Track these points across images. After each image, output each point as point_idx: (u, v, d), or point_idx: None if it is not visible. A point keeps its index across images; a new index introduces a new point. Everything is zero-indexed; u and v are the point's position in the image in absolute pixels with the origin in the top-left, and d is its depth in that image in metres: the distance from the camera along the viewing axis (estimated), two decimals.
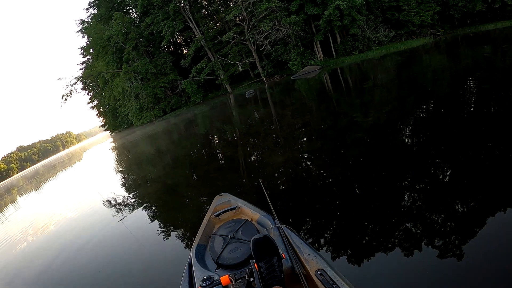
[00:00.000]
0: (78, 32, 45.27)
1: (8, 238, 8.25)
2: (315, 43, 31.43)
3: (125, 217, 6.12)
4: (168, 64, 39.43)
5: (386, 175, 4.19)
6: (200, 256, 2.42)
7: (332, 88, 15.88)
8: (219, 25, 38.97)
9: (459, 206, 3.01)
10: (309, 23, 30.78)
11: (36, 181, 28.49)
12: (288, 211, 3.94)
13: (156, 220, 5.55)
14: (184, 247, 3.97)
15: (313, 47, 31.88)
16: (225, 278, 1.89)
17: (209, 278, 1.98)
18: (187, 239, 4.16)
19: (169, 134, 20.33)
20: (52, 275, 4.70)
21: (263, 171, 6.15)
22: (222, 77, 36.81)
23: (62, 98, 43.13)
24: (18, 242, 7.48)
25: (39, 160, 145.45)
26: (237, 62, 34.77)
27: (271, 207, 2.66)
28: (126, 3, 40.79)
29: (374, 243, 2.84)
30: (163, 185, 8.12)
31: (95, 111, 60.01)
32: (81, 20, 44.66)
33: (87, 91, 54.49)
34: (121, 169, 13.83)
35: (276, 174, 5.73)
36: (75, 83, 44.20)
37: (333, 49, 31.40)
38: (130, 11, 43.31)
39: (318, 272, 1.78)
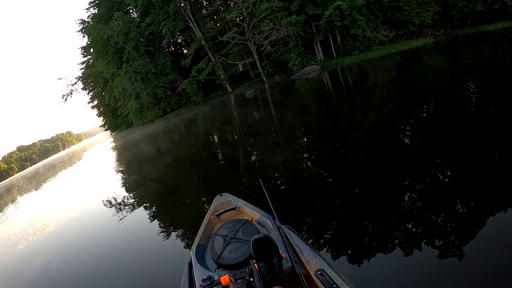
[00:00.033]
0: (78, 32, 45.33)
1: (8, 237, 8.26)
2: (316, 43, 31.42)
3: (125, 216, 6.13)
4: (168, 64, 39.44)
5: (386, 175, 4.19)
6: (200, 256, 2.42)
7: (333, 88, 15.88)
8: (219, 25, 38.97)
9: (459, 206, 3.01)
10: (309, 23, 30.78)
11: (36, 181, 28.51)
12: (288, 211, 3.94)
13: (156, 220, 5.55)
14: (184, 247, 3.97)
15: (314, 47, 31.88)
16: (225, 278, 1.88)
17: (209, 278, 1.98)
18: (187, 239, 4.16)
19: (169, 134, 20.34)
20: (52, 275, 4.71)
21: (263, 171, 6.16)
22: (222, 77, 36.81)
23: (63, 97, 43.21)
24: (18, 241, 7.49)
25: (39, 160, 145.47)
26: (238, 62, 34.77)
27: (271, 207, 2.66)
28: (127, 3, 40.78)
29: (374, 243, 2.84)
30: (163, 185, 8.12)
31: (95, 111, 60.07)
32: (82, 20, 44.67)
33: (87, 91, 54.51)
34: (121, 169, 13.84)
35: (276, 174, 5.73)
36: (76, 83, 44.28)
37: (333, 49, 31.40)
38: (131, 11, 43.33)
39: (318, 272, 1.78)
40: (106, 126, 60.44)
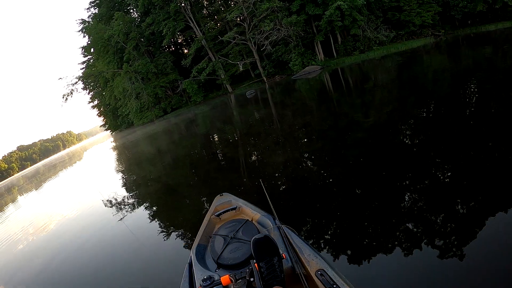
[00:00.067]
0: (79, 31, 45.30)
1: (9, 237, 8.27)
2: (316, 43, 31.42)
3: (125, 216, 6.13)
4: (169, 64, 39.45)
5: (387, 175, 4.19)
6: (201, 256, 2.42)
7: (333, 88, 15.88)
8: (220, 25, 38.98)
9: (459, 206, 3.01)
10: (310, 23, 30.78)
11: (37, 181, 28.52)
12: (288, 211, 3.94)
13: (156, 220, 5.56)
14: (185, 247, 3.97)
15: (314, 47, 31.87)
16: (225, 278, 1.88)
17: (210, 278, 1.98)
18: (188, 239, 4.16)
19: (169, 134, 20.34)
20: (52, 274, 4.71)
21: (263, 171, 6.16)
22: (223, 77, 36.82)
23: (63, 97, 43.27)
24: (19, 241, 7.49)
25: (40, 160, 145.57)
26: (238, 62, 34.77)
27: (272, 207, 2.66)
28: (127, 2, 40.80)
29: (374, 244, 2.84)
30: (164, 184, 8.12)
31: (95, 111, 60.06)
32: (82, 19, 44.65)
33: (87, 91, 54.50)
34: (121, 168, 13.84)
35: (276, 174, 5.73)
36: (76, 82, 44.32)
37: (334, 49, 31.39)
38: (131, 11, 43.36)
39: (319, 272, 1.78)
40: (107, 126, 60.45)
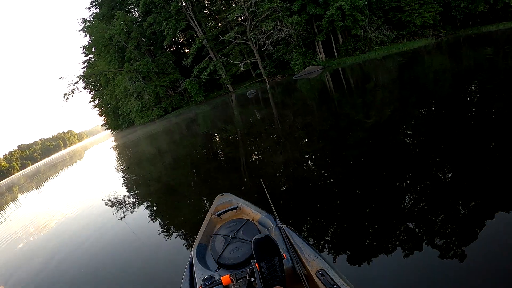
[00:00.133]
0: (80, 31, 45.35)
1: (9, 235, 8.28)
2: (317, 43, 31.43)
3: (125, 215, 6.13)
4: (170, 64, 39.49)
5: (388, 176, 4.18)
6: (201, 256, 2.42)
7: (334, 88, 15.87)
8: (221, 25, 38.99)
9: (460, 207, 3.01)
10: (311, 23, 30.80)
11: (38, 180, 28.56)
12: (289, 211, 3.94)
13: (157, 219, 5.56)
14: (185, 247, 3.97)
15: (315, 47, 31.89)
16: (226, 278, 1.88)
17: (210, 277, 1.98)
18: (188, 239, 4.16)
19: (170, 134, 20.35)
20: (52, 273, 4.71)
21: (264, 171, 6.15)
22: (223, 76, 36.85)
23: (64, 96, 43.42)
24: (19, 239, 7.50)
25: (41, 159, 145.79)
26: (239, 62, 34.80)
27: (272, 207, 2.66)
28: (128, 2, 40.85)
29: (375, 244, 2.84)
30: (164, 184, 8.12)
31: (96, 110, 60.17)
32: (83, 19, 44.74)
33: (88, 90, 54.61)
34: (122, 168, 13.85)
35: (277, 174, 5.73)
36: (77, 82, 44.46)
37: (335, 50, 31.40)
38: (132, 10, 43.44)
39: (319, 272, 1.78)
40: (107, 125, 60.55)
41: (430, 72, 12.17)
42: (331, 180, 4.72)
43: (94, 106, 59.14)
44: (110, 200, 7.78)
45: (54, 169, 33.50)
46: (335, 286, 1.65)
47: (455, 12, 29.26)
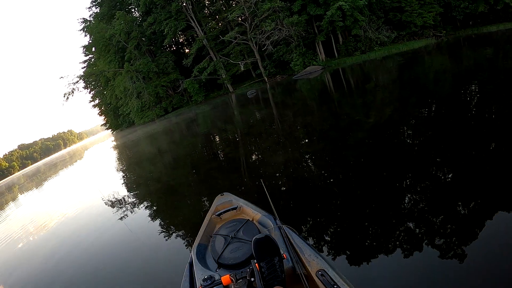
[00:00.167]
0: (80, 30, 45.27)
1: (9, 235, 8.28)
2: (317, 43, 31.44)
3: (125, 215, 6.13)
4: (170, 64, 39.48)
5: (388, 176, 4.18)
6: (201, 256, 2.42)
7: (334, 88, 15.87)
8: (221, 25, 38.99)
9: (460, 207, 3.01)
10: (311, 24, 30.80)
11: (38, 179, 28.56)
12: (289, 211, 3.94)
13: (157, 219, 5.56)
14: (185, 247, 3.97)
15: (315, 48, 31.89)
16: (226, 278, 1.88)
17: (210, 277, 1.98)
18: (188, 239, 4.16)
19: (170, 133, 20.35)
20: (52, 272, 4.71)
21: (264, 171, 6.15)
22: (224, 76, 36.85)
23: (64, 96, 43.40)
24: (18, 239, 7.50)
25: (41, 158, 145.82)
26: (239, 62, 34.80)
27: (273, 207, 2.66)
28: (129, 2, 40.84)
29: (375, 244, 2.84)
30: (164, 184, 8.12)
31: (96, 110, 60.10)
32: (84, 18, 44.67)
33: (89, 90, 54.57)
34: (122, 168, 13.85)
35: (277, 174, 5.73)
36: (77, 81, 44.41)
37: (335, 50, 31.40)
38: (133, 10, 43.41)
39: (319, 272, 1.78)
40: (107, 125, 60.53)
41: (430, 73, 12.17)
42: (331, 180, 4.72)
43: (94, 106, 59.14)
44: (110, 200, 7.78)
45: (54, 168, 33.50)
46: (335, 286, 1.65)
47: (455, 13, 29.27)
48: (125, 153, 19.81)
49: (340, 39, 31.17)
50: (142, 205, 6.62)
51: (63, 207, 9.58)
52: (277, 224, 2.49)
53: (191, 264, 2.34)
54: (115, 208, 6.89)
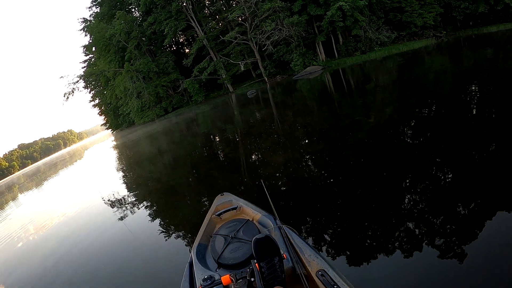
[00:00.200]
0: (80, 30, 45.27)
1: (8, 234, 8.28)
2: (317, 43, 31.44)
3: (125, 215, 6.13)
4: (170, 63, 39.47)
5: (388, 176, 4.18)
6: (201, 256, 2.41)
7: (334, 88, 15.87)
8: (221, 25, 38.98)
9: (460, 207, 3.01)
10: (311, 24, 30.80)
11: (37, 179, 28.56)
12: (289, 211, 3.94)
13: (157, 219, 5.56)
14: (185, 246, 3.97)
15: (315, 48, 31.90)
16: (226, 278, 1.88)
17: (210, 277, 1.98)
18: (188, 239, 4.16)
19: (170, 133, 20.35)
20: (51, 272, 4.70)
21: (264, 171, 6.15)
22: (224, 76, 36.84)
23: (64, 96, 43.36)
24: (18, 238, 7.50)
25: (41, 158, 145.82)
26: (239, 62, 34.80)
27: (273, 207, 2.66)
28: (129, 2, 40.85)
29: (375, 244, 2.84)
30: (164, 184, 8.12)
31: (96, 110, 60.08)
32: (84, 18, 44.68)
33: (89, 90, 54.58)
34: (122, 168, 13.85)
35: (277, 174, 5.73)
36: (77, 81, 44.34)
37: (335, 50, 31.40)
38: (133, 10, 43.41)
39: (319, 272, 1.78)
40: (107, 125, 60.51)
41: (430, 73, 12.16)
42: (331, 180, 4.72)
43: (94, 106, 59.12)
44: (109, 200, 7.78)
45: (54, 168, 33.51)
46: (335, 286, 1.65)
47: (456, 13, 29.26)
48: (125, 153, 19.81)
49: (340, 39, 31.17)
50: (142, 205, 6.62)
51: (63, 206, 9.58)
52: (277, 224, 2.49)
53: (191, 264, 2.34)
54: (115, 208, 6.89)
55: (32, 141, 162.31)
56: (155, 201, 6.85)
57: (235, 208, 2.98)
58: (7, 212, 13.23)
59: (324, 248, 3.01)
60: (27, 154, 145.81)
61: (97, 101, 57.46)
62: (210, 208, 3.18)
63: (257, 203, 3.06)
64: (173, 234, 4.57)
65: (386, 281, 2.44)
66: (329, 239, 3.16)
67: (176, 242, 4.26)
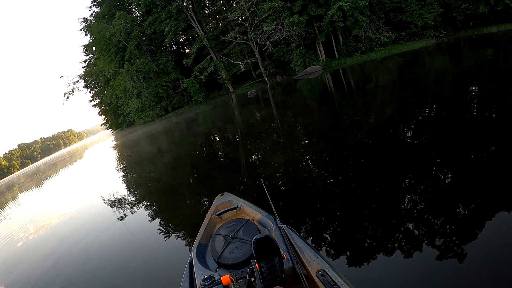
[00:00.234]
0: (80, 30, 45.30)
1: (8, 234, 8.27)
2: (318, 43, 31.43)
3: (125, 215, 6.13)
4: (170, 63, 39.47)
5: (388, 176, 4.18)
6: (201, 256, 2.41)
7: (334, 89, 15.87)
8: (221, 25, 38.97)
9: (460, 207, 3.01)
10: (311, 24, 30.79)
11: (37, 179, 28.56)
12: (289, 211, 3.94)
13: (157, 219, 5.55)
14: (185, 246, 3.97)
15: (316, 48, 31.89)
16: (226, 278, 1.88)
17: (210, 277, 1.98)
18: (188, 238, 4.16)
19: (170, 133, 20.35)
20: (51, 272, 4.69)
21: (264, 171, 6.15)
22: (224, 76, 36.84)
23: (64, 96, 43.31)
24: (18, 238, 7.50)
25: (41, 158, 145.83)
26: (239, 62, 34.79)
27: (273, 207, 2.66)
28: (129, 1, 40.86)
29: (375, 244, 2.84)
30: (164, 184, 8.12)
31: (96, 109, 60.11)
32: (84, 18, 44.70)
33: (89, 89, 54.59)
34: (122, 167, 13.85)
35: (277, 174, 5.73)
36: (77, 81, 44.31)
37: (335, 50, 31.40)
38: (133, 9, 43.40)
39: (319, 272, 1.78)
40: (108, 124, 60.52)
41: (430, 73, 12.17)
42: (331, 180, 4.72)
43: (95, 106, 59.13)
44: (109, 200, 7.78)
45: (54, 168, 33.51)
46: (335, 286, 1.65)
47: (456, 13, 29.27)
48: (125, 152, 19.81)
49: (341, 40, 31.16)
50: (142, 205, 6.62)
51: (63, 206, 9.57)
52: (277, 224, 2.49)
53: (191, 264, 2.34)
54: (114, 208, 6.89)
55: (32, 141, 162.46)
56: (155, 201, 6.85)
57: (235, 208, 2.98)
58: (7, 212, 13.23)
59: (324, 248, 3.00)
60: (27, 153, 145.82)
61: (97, 100, 57.49)
62: (210, 208, 3.18)
63: (257, 203, 3.06)
64: (173, 234, 4.57)
65: (386, 281, 2.44)
66: (329, 239, 3.16)
67: (176, 242, 4.26)
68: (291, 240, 2.18)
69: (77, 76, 44.29)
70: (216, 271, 2.19)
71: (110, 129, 61.09)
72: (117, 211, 6.52)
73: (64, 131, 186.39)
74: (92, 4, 45.57)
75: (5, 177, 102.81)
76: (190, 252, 2.51)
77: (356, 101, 10.72)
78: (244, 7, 30.88)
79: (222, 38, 34.20)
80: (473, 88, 7.59)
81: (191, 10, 35.69)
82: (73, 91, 43.42)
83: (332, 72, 24.63)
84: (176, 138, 17.15)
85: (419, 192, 3.53)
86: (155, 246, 4.34)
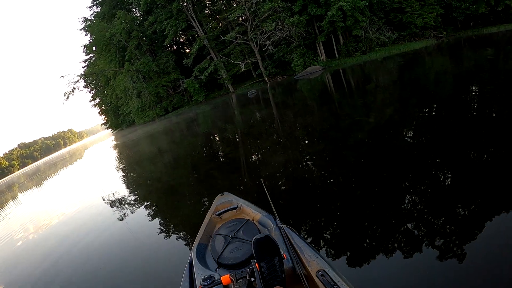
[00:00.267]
0: (81, 30, 45.31)
1: (8, 234, 8.27)
2: (318, 44, 31.43)
3: (125, 215, 6.13)
4: (170, 63, 39.47)
5: (388, 176, 4.18)
6: (201, 255, 2.41)
7: (335, 89, 15.87)
8: (222, 25, 38.96)
9: (460, 207, 3.01)
10: (312, 24, 30.79)
11: (37, 178, 28.56)
12: (289, 211, 3.94)
13: (157, 219, 5.56)
14: (185, 246, 3.97)
15: (316, 48, 31.89)
16: (225, 278, 1.88)
17: (210, 277, 1.98)
18: (188, 238, 4.16)
19: (170, 133, 20.35)
20: (50, 272, 4.70)
21: (264, 171, 6.15)
22: (224, 76, 36.85)
23: (64, 95, 43.27)
24: (17, 238, 7.50)
25: (41, 157, 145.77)
26: (240, 62, 34.79)
27: (273, 207, 2.66)
28: (130, 1, 40.85)
29: (375, 244, 2.84)
30: (164, 184, 8.12)
31: (97, 109, 60.12)
32: (84, 18, 44.73)
33: (89, 89, 54.59)
34: (122, 167, 13.85)
35: (277, 174, 5.73)
36: (78, 81, 44.26)
37: (335, 50, 31.39)
38: (133, 9, 43.39)
39: (319, 272, 1.78)
40: (108, 124, 60.53)
41: (430, 73, 12.17)
42: (331, 180, 4.72)
43: (95, 105, 59.14)
44: (109, 199, 7.78)
45: (54, 168, 33.51)
46: (335, 286, 1.65)
47: (456, 14, 29.26)
48: (125, 152, 19.80)
49: (341, 40, 31.16)
50: (142, 205, 6.62)
51: (63, 206, 9.57)
52: (277, 224, 2.49)
53: (191, 264, 2.34)
54: (114, 208, 6.89)
55: (32, 141, 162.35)
56: (155, 201, 6.85)
57: (235, 208, 2.98)
58: (7, 211, 13.23)
59: (324, 248, 3.00)
60: (27, 153, 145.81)
61: (97, 100, 57.51)
62: (210, 208, 3.18)
63: (257, 203, 3.06)
64: (173, 234, 4.57)
65: (386, 281, 2.44)
66: (329, 239, 3.16)
67: (176, 242, 4.26)
68: (291, 240, 2.18)
69: (77, 76, 44.30)
70: (216, 271, 2.19)
71: (110, 129, 61.11)
72: (117, 211, 6.52)
73: (64, 131, 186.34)
74: (92, 4, 45.61)
75: (5, 176, 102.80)
76: (190, 252, 2.51)
77: (356, 101, 10.72)
78: (244, 7, 30.88)
79: (223, 38, 34.20)
80: (473, 88, 7.59)
81: (192, 10, 35.69)
82: (73, 91, 43.41)
83: (332, 72, 24.63)
84: (176, 138, 17.15)
85: (419, 192, 3.52)
86: (155, 246, 4.34)
